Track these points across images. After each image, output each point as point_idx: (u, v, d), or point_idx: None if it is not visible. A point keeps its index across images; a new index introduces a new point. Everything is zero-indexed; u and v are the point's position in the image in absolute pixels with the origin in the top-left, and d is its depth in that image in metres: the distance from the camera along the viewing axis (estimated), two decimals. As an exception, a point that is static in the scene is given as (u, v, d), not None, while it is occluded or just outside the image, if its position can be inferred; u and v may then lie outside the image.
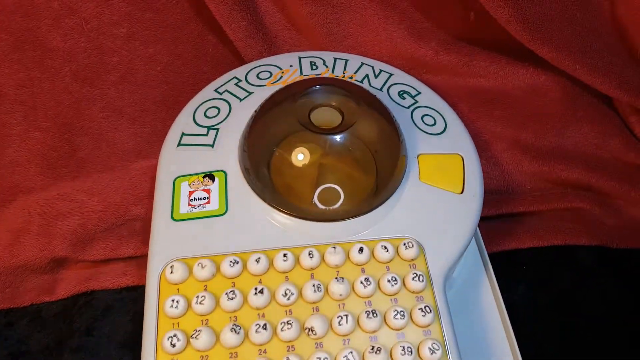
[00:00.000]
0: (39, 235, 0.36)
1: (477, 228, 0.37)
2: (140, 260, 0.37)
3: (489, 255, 0.36)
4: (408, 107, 0.36)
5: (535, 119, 0.42)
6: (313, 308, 0.27)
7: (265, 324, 0.26)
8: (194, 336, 0.25)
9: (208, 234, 0.29)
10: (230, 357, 0.25)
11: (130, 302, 0.36)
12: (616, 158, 0.42)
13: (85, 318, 0.35)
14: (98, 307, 0.36)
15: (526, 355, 0.31)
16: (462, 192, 0.32)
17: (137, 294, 0.36)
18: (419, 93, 0.37)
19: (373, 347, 0.25)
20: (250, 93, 0.36)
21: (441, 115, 0.36)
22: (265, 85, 0.37)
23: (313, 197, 0.30)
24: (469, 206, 0.31)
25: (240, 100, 0.36)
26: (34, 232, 0.36)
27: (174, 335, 0.25)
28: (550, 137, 0.41)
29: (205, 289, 0.27)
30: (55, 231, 0.36)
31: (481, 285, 0.35)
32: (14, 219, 0.37)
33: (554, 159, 0.40)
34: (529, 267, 0.37)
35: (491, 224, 0.39)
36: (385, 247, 0.29)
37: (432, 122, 0.35)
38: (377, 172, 0.31)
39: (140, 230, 0.37)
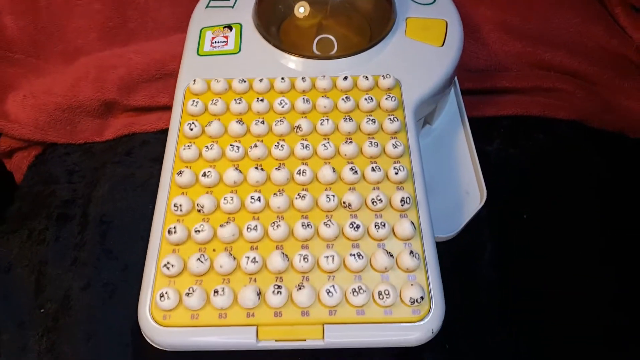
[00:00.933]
0: (94, 81, 0.44)
1: (459, 92, 0.42)
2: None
3: (469, 119, 0.41)
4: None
5: (522, 3, 0.46)
6: (302, 116, 0.33)
7: (262, 120, 0.33)
8: (207, 125, 0.32)
9: (224, 65, 0.36)
10: (235, 142, 0.32)
11: (163, 139, 0.43)
12: (600, 45, 0.45)
13: (126, 147, 0.43)
14: (137, 141, 0.44)
15: (493, 192, 0.36)
16: (442, 45, 0.37)
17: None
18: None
19: (347, 140, 0.32)
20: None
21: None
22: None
23: (312, 45, 0.37)
24: (447, 54, 0.37)
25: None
26: (90, 79, 0.44)
27: (192, 123, 0.33)
28: (535, 21, 0.45)
29: (219, 99, 0.34)
30: (107, 78, 0.44)
31: (458, 136, 0.40)
32: (76, 70, 0.46)
33: (539, 41, 0.45)
34: (506, 130, 0.42)
35: (474, 96, 0.44)
36: (367, 77, 0.35)
37: (424, -4, 0.41)
38: (369, 32, 0.37)
39: (174, 85, 0.45)
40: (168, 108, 0.46)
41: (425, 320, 0.26)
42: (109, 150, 0.44)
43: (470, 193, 0.37)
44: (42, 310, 0.34)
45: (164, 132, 0.44)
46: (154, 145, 0.43)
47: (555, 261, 0.35)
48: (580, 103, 0.44)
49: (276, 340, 0.26)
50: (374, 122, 0.32)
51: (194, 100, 0.34)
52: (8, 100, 0.45)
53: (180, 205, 0.29)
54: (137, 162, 0.41)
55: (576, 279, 0.35)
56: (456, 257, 0.34)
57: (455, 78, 0.43)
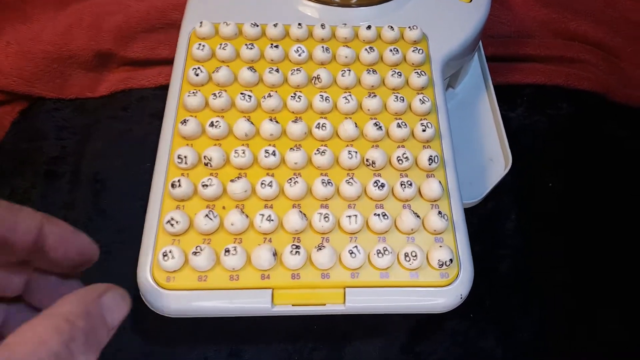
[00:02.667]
0: (89, 28, 0.40)
1: (484, 57, 0.40)
2: (174, 64, 0.41)
3: (493, 85, 0.39)
4: None
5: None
6: (321, 66, 0.30)
7: (277, 69, 0.30)
8: (215, 71, 0.29)
9: (234, 8, 0.33)
10: (246, 91, 0.29)
11: (163, 95, 0.40)
12: (625, 17, 0.43)
13: (122, 103, 0.40)
14: (134, 97, 0.40)
15: (517, 159, 0.34)
16: (470, 1, 0.35)
17: (169, 91, 0.40)
18: None
19: (370, 94, 0.29)
20: None
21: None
22: None
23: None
24: (475, 10, 0.34)
25: None
26: (84, 26, 0.41)
27: (198, 68, 0.29)
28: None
29: (228, 43, 0.31)
30: (103, 25, 0.41)
31: (481, 101, 0.38)
32: (68, 16, 0.42)
33: (564, 9, 0.42)
34: (529, 97, 0.40)
35: (497, 63, 0.41)
36: (392, 27, 0.32)
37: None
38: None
39: (176, 37, 0.42)
40: (169, 62, 0.42)
41: (454, 284, 0.24)
42: (103, 106, 0.40)
43: (494, 159, 0.35)
44: (27, 275, 0.31)
45: (164, 89, 0.40)
46: (152, 101, 0.40)
47: (579, 230, 0.33)
48: (603, 76, 0.42)
49: (293, 305, 0.24)
50: (400, 75, 0.30)
51: (200, 44, 0.31)
52: (-10, 47, 0.41)
53: (185, 157, 0.26)
54: (135, 117, 0.38)
55: (600, 249, 0.33)
56: (480, 224, 0.32)
57: (480, 43, 0.41)
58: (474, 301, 0.25)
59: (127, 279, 0.30)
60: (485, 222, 0.32)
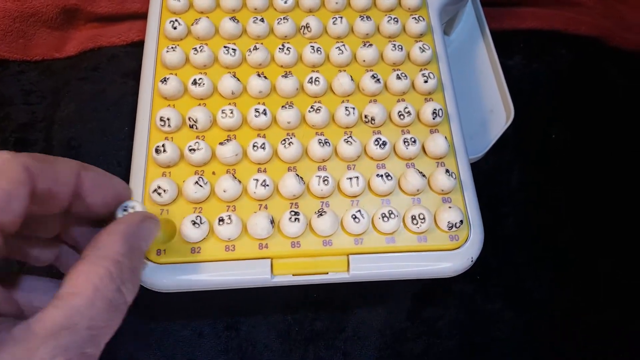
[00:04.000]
0: (50, -19, 0.37)
1: (479, 5, 0.37)
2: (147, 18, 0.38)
3: (490, 32, 0.36)
4: None
5: None
6: (309, 13, 0.28)
7: (262, 18, 0.27)
8: (194, 24, 0.27)
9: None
10: (229, 44, 0.26)
11: (135, 52, 0.37)
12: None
13: (91, 63, 0.36)
14: (104, 55, 0.37)
15: (518, 110, 0.32)
16: (467, -62, 0.32)
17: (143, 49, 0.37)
18: None
19: (365, 44, 0.27)
20: None
21: None
22: None
23: None
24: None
25: None
26: (44, -22, 0.37)
27: (176, 21, 0.27)
28: None
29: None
30: (65, -23, 0.37)
31: (477, 49, 0.36)
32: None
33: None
34: (526, 44, 0.38)
35: (492, 8, 0.39)
36: (385, -31, 0.29)
37: None
38: None
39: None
40: (140, 16, 0.39)
41: (464, 247, 0.23)
42: (72, 67, 0.37)
43: (495, 111, 0.33)
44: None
45: (137, 46, 0.38)
46: (124, 59, 0.36)
47: (582, 183, 0.32)
48: (601, 19, 0.40)
49: (294, 275, 0.22)
50: (397, 21, 0.27)
51: (176, -6, 0.28)
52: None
53: (168, 119, 0.24)
54: (107, 77, 0.35)
55: (603, 201, 0.32)
56: (482, 181, 0.31)
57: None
58: (479, 262, 0.24)
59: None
60: (488, 178, 0.31)
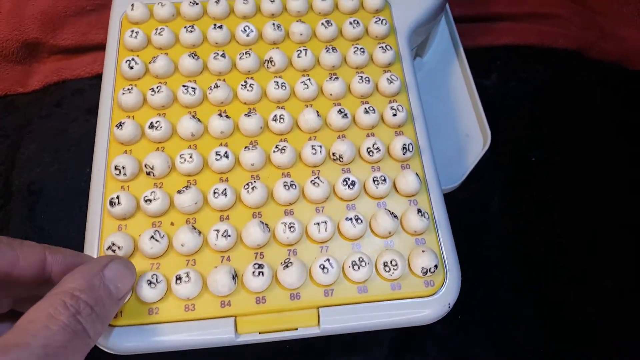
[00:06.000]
0: (9, 16, 0.35)
1: (451, 19, 0.36)
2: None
3: (464, 50, 0.35)
4: None
5: None
6: (273, 46, 0.27)
7: (223, 53, 0.26)
8: (152, 62, 0.25)
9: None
10: (189, 82, 0.25)
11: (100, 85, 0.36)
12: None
13: (55, 97, 0.35)
14: (68, 89, 0.36)
15: (495, 133, 0.31)
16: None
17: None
18: None
19: (331, 76, 0.26)
20: None
21: None
22: None
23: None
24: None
25: None
26: (4, 12, 0.35)
27: (132, 60, 0.25)
28: None
29: (165, 27, 0.27)
30: (25, 12, 0.35)
31: (452, 70, 0.35)
32: (-18, 3, 0.36)
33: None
34: (503, 62, 0.37)
35: (467, 24, 0.38)
36: (350, -5, 0.28)
37: None
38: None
39: (110, 19, 0.37)
40: (105, 47, 0.38)
41: (440, 292, 0.22)
42: (36, 102, 0.36)
43: (472, 135, 0.32)
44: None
45: (101, 77, 0.37)
46: (89, 93, 0.35)
47: (567, 210, 0.31)
48: (577, 30, 0.39)
49: (260, 332, 0.21)
50: (363, 52, 0.26)
51: (132, 30, 0.26)
52: None
53: (123, 168, 0.23)
54: (70, 114, 0.34)
55: (590, 229, 0.31)
56: (460, 211, 0.29)
57: (447, 4, 0.37)
58: (460, 300, 0.23)
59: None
60: (466, 208, 0.30)
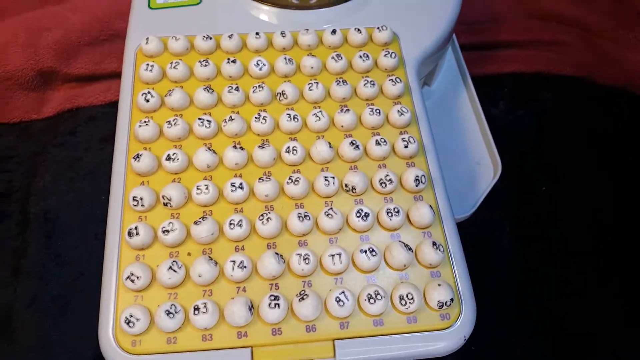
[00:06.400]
0: (25, 46, 0.36)
1: (458, 48, 0.37)
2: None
3: (471, 77, 0.36)
4: None
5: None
6: (285, 79, 0.27)
7: (237, 87, 0.26)
8: (167, 95, 0.26)
9: (183, 19, 0.30)
10: (204, 115, 0.26)
11: (114, 113, 0.36)
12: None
13: (69, 125, 0.36)
14: (82, 117, 0.36)
15: (505, 161, 0.32)
16: (441, -8, 0.32)
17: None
18: None
19: (342, 108, 0.26)
20: None
21: None
22: None
23: (290, -7, 0.30)
24: (447, 1, 0.31)
25: None
26: (20, 44, 0.37)
27: (148, 93, 0.26)
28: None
29: (180, 61, 0.27)
30: (41, 42, 0.36)
31: (460, 98, 0.35)
32: (2, 33, 0.37)
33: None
34: (510, 89, 0.37)
35: (474, 52, 0.39)
36: (359, 30, 0.29)
37: None
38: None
39: (124, 47, 0.38)
40: (117, 75, 0.38)
41: (456, 325, 0.22)
42: (50, 129, 0.37)
43: (482, 164, 0.32)
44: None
45: (115, 105, 0.37)
46: (102, 121, 0.36)
47: (580, 239, 0.31)
48: (582, 56, 0.40)
49: (276, 364, 0.21)
50: (373, 84, 0.27)
51: (148, 64, 0.27)
52: None
53: (141, 199, 0.23)
54: (84, 143, 0.34)
55: (606, 260, 0.31)
56: (472, 242, 0.30)
57: (453, 33, 0.38)
58: (473, 333, 0.23)
59: (88, 334, 0.27)
60: (478, 239, 0.30)
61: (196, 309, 0.21)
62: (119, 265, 0.22)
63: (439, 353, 0.21)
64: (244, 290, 0.22)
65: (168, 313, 0.20)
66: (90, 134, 0.35)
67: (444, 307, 0.21)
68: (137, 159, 0.24)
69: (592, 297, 0.30)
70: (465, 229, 0.30)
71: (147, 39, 0.28)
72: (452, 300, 0.21)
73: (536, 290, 0.29)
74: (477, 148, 0.33)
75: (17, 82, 0.37)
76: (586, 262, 0.31)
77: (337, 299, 0.21)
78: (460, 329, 0.22)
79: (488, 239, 0.30)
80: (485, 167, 0.32)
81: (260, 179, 0.24)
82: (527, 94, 0.37)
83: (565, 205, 0.32)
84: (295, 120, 0.26)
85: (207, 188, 0.23)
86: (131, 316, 0.20)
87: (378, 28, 0.29)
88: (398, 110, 0.26)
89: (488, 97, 0.36)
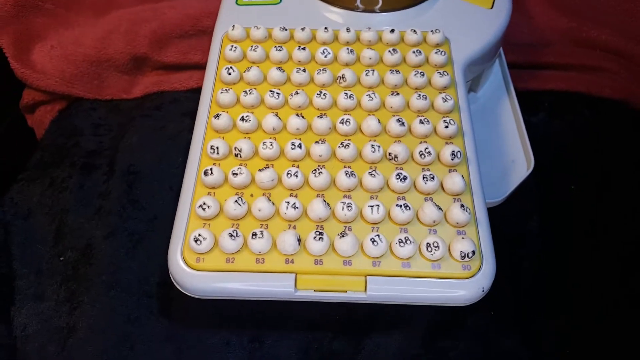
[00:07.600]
0: (126, 34, 0.43)
1: (505, 62, 0.40)
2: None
3: (515, 91, 0.39)
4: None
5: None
6: (345, 66, 0.32)
7: (304, 69, 0.31)
8: (246, 71, 0.31)
9: (264, 15, 0.35)
10: (274, 89, 0.30)
11: (195, 98, 0.42)
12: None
13: (155, 103, 0.42)
14: (166, 98, 0.42)
15: (539, 164, 0.34)
16: (491, 8, 0.36)
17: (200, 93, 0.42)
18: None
19: (393, 93, 0.30)
20: None
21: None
22: None
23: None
24: (496, 16, 0.35)
25: None
26: (121, 31, 0.43)
27: (230, 67, 0.31)
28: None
29: (259, 46, 0.32)
30: (139, 31, 0.43)
31: (502, 104, 0.38)
32: (107, 22, 0.44)
33: (585, 18, 0.43)
34: (550, 104, 0.40)
35: (518, 69, 0.42)
36: (414, 31, 0.33)
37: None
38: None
39: (208, 43, 0.44)
40: (200, 67, 0.44)
41: (476, 277, 0.24)
42: (137, 107, 0.42)
43: (517, 161, 0.35)
44: (61, 259, 0.33)
45: (195, 92, 0.42)
46: (184, 102, 0.41)
47: (600, 236, 0.33)
48: (625, 84, 0.42)
49: (315, 290, 0.24)
50: (422, 75, 0.31)
51: (232, 46, 0.32)
52: (35, 50, 0.44)
53: (217, 148, 0.28)
54: (168, 116, 0.40)
55: (622, 255, 0.33)
56: (502, 224, 0.32)
57: (501, 49, 0.41)
58: (494, 300, 0.25)
59: (156, 265, 0.32)
60: (507, 222, 0.33)
61: (254, 234, 0.24)
62: (193, 197, 0.27)
63: (458, 301, 0.24)
64: (294, 227, 0.25)
65: (230, 235, 0.24)
66: (173, 110, 0.40)
67: (466, 258, 0.24)
68: (217, 117, 0.29)
69: (616, 296, 0.31)
70: (495, 212, 0.33)
71: (233, 26, 0.33)
72: (473, 252, 0.24)
73: (560, 278, 0.31)
74: (514, 148, 0.36)
75: (113, 64, 0.43)
76: (607, 258, 0.32)
77: (372, 240, 0.24)
78: (479, 280, 0.24)
79: (516, 223, 0.33)
80: (519, 164, 0.35)
81: (316, 142, 0.28)
82: (566, 109, 0.40)
83: (591, 205, 0.34)
84: (351, 99, 0.30)
85: (271, 145, 0.28)
86: (199, 235, 0.25)
87: (432, 31, 0.33)
88: (442, 98, 0.30)
89: (529, 107, 0.39)
